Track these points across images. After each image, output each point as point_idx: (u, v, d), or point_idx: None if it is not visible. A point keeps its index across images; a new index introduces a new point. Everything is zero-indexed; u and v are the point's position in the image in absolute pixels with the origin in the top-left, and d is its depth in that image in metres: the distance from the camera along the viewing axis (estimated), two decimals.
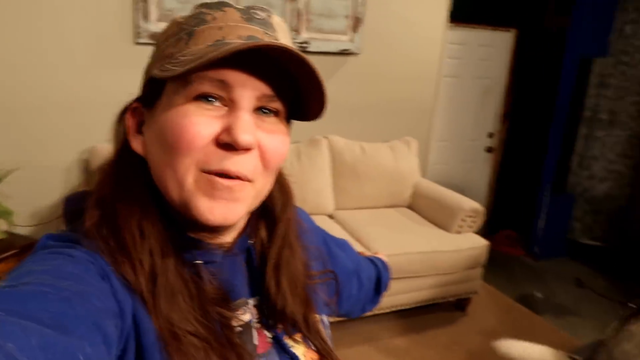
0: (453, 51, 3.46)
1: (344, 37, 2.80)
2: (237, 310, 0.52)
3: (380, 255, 0.92)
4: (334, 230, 2.57)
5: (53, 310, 0.35)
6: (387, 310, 2.48)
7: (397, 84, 3.10)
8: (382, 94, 3.08)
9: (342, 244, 0.79)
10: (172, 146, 0.45)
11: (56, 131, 2.27)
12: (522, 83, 3.86)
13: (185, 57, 0.44)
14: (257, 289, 0.55)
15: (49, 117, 2.25)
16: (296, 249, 0.59)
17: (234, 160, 0.45)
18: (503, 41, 3.65)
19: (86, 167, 2.34)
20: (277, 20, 0.50)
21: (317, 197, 2.72)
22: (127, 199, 0.48)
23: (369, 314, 2.40)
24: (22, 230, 2.17)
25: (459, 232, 2.64)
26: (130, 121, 0.51)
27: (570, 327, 2.67)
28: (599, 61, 3.42)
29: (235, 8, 0.48)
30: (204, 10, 0.48)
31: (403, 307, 2.51)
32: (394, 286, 2.38)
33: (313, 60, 0.45)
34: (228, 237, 0.54)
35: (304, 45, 2.68)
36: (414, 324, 2.57)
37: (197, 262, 0.50)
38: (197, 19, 0.47)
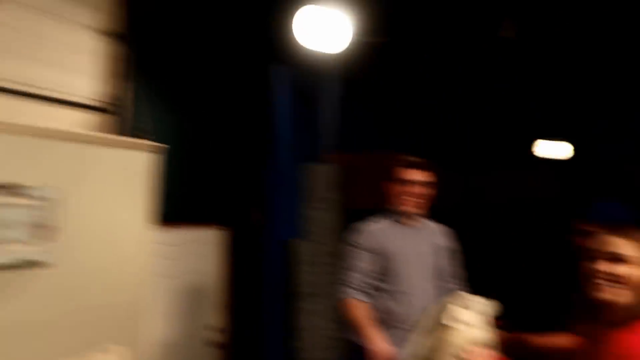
0: (165, 251, 3.77)
1: (29, 248, 2.48)
2: None
3: None
4: None
5: None
6: None
7: (98, 292, 3.21)
8: (79, 304, 3.13)
9: None
10: None
11: None
12: (241, 275, 4.26)
13: None
14: None
15: None
16: None
17: None
18: (215, 237, 4.13)
19: None
20: None
21: None
22: None
23: None
24: None
25: None
26: None
27: None
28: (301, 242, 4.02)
29: None
30: None
31: None
32: None
33: None
34: None
35: None
36: None
37: None
38: None
